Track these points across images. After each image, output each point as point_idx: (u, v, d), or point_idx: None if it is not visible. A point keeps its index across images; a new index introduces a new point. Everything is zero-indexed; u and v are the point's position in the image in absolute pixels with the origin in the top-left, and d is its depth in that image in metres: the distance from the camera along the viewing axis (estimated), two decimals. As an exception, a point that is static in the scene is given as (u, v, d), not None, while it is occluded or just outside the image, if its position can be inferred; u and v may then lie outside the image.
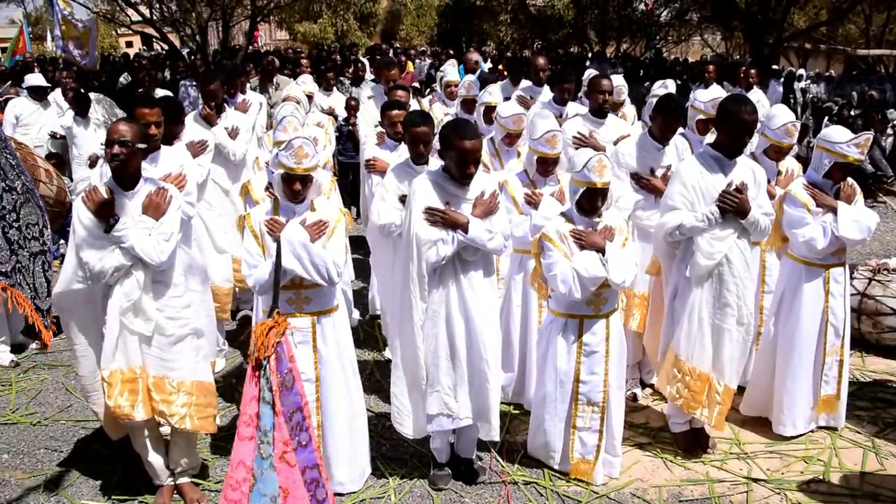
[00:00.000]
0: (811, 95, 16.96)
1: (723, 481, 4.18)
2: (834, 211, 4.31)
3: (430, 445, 4.15)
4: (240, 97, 7.23)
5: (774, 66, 17.42)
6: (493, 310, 3.90)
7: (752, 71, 9.93)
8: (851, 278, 5.89)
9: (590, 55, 21.23)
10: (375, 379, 5.31)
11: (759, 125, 4.72)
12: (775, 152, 4.83)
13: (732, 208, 3.97)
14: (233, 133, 5.83)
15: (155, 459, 3.95)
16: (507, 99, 6.20)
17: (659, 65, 16.66)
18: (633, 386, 5.06)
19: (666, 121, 4.73)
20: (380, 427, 4.64)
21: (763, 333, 4.77)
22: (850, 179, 4.45)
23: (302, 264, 3.53)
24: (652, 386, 5.07)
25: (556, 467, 4.20)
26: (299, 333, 3.73)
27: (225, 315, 5.72)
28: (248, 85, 8.22)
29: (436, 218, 3.64)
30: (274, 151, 3.99)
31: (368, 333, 6.11)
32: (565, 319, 3.97)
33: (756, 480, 4.18)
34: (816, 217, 4.34)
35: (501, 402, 4.62)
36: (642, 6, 22.58)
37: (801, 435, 4.62)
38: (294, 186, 3.60)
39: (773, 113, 4.84)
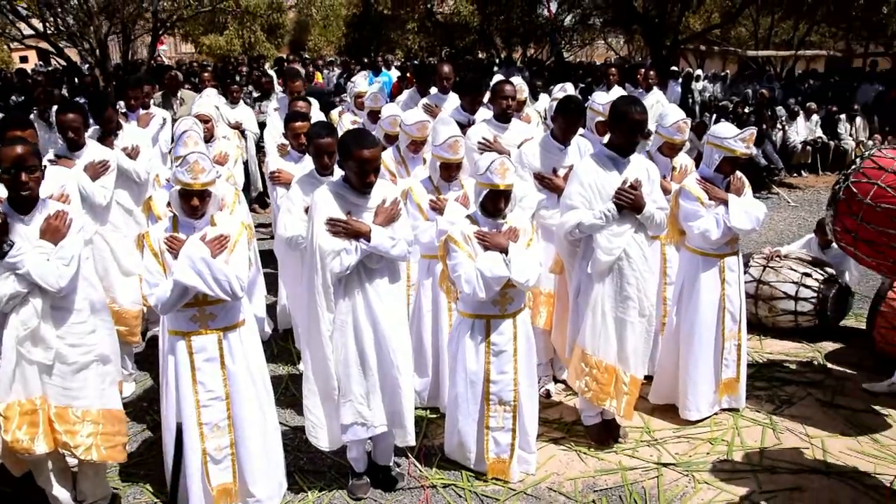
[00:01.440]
0: (708, 94, 17.67)
1: (635, 468, 4.32)
2: (725, 203, 4.53)
3: (347, 455, 4.14)
4: (141, 111, 7.06)
5: (674, 68, 18.06)
6: (401, 316, 3.92)
7: (651, 73, 10.29)
8: (748, 266, 6.20)
9: (497, 61, 21.54)
10: (291, 392, 5.26)
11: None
12: (669, 149, 5.05)
13: (628, 205, 4.12)
14: (133, 153, 5.65)
15: (61, 493, 3.80)
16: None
17: (563, 68, 17.03)
18: (546, 383, 5.17)
19: (566, 122, 4.85)
20: (296, 441, 4.60)
21: (666, 323, 4.95)
22: (738, 173, 4.69)
23: (203, 280, 3.48)
24: (564, 381, 5.20)
25: (473, 468, 4.26)
26: (205, 351, 3.67)
27: (134, 339, 5.56)
28: (150, 100, 8.03)
29: (338, 228, 3.64)
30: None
31: (282, 347, 6.05)
32: (472, 320, 4.03)
33: (665, 465, 4.34)
34: (709, 210, 4.55)
35: (417, 407, 4.66)
36: (545, 12, 23.03)
37: (706, 418, 4.82)
38: (192, 202, 3.54)
39: (666, 112, 5.05)
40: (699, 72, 19.65)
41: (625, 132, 4.12)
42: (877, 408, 5.03)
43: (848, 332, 6.29)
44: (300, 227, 4.16)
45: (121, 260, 5.38)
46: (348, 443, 4.01)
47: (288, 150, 5.52)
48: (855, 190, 4.24)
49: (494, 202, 3.88)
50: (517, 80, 6.40)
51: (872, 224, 4.16)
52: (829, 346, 6.05)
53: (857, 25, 18.98)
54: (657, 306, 4.57)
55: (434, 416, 4.87)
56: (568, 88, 6.58)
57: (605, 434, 4.57)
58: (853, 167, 4.36)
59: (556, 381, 5.25)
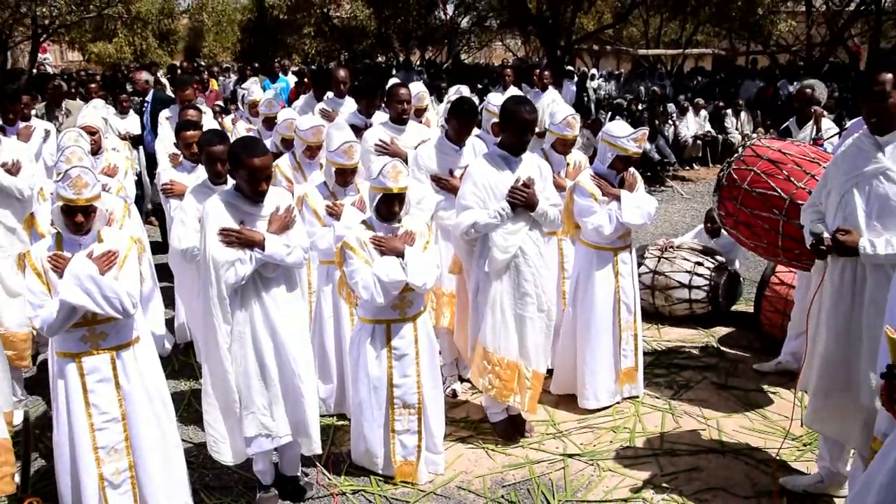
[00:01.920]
0: (603, 93, 18.19)
1: (541, 461, 4.40)
2: (618, 199, 4.67)
3: (253, 468, 4.05)
4: (21, 124, 6.73)
5: (570, 68, 18.51)
6: (300, 324, 3.87)
7: (546, 73, 10.53)
8: (644, 258, 6.41)
9: (395, 64, 21.56)
10: (194, 408, 5.11)
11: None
12: (562, 145, 5.19)
13: (521, 203, 4.19)
14: (13, 168, 5.37)
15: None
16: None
17: (461, 70, 17.19)
18: (451, 383, 5.21)
19: (460, 123, 4.90)
20: (201, 457, 4.47)
21: (564, 316, 5.07)
22: (631, 169, 4.84)
23: (92, 299, 3.34)
24: (470, 380, 5.24)
25: (381, 472, 4.24)
26: (97, 372, 3.53)
27: (24, 363, 5.29)
28: (32, 112, 7.65)
29: (231, 238, 3.57)
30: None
31: (184, 362, 5.88)
32: (373, 325, 4.02)
33: (571, 456, 4.44)
34: (603, 205, 4.68)
35: (323, 415, 4.62)
36: (442, 15, 23.20)
37: (608, 407, 4.96)
38: (76, 218, 3.39)
39: (555, 110, 5.18)
40: (594, 71, 20.22)
41: (515, 132, 4.19)
42: (765, 387, 5.29)
43: (739, 316, 6.59)
44: (194, 239, 4.06)
45: (5, 280, 5.11)
46: (253, 455, 3.92)
47: (180, 160, 5.38)
48: (735, 176, 4.51)
49: (389, 206, 3.88)
50: (418, 88, 6.44)
51: (749, 208, 4.44)
52: (722, 330, 6.33)
53: (736, 26, 19.91)
54: (556, 300, 4.67)
55: (341, 422, 4.83)
56: (463, 90, 6.65)
57: (512, 429, 4.64)
58: (735, 155, 4.63)
59: (461, 380, 5.29)
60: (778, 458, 4.28)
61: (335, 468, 4.37)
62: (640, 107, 14.61)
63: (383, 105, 6.60)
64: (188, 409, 5.09)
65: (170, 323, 6.33)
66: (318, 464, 4.36)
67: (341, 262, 3.92)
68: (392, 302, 3.91)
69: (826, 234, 3.54)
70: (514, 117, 4.15)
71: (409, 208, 4.03)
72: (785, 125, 6.19)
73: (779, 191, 4.42)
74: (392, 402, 4.09)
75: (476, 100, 8.58)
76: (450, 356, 5.18)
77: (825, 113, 5.86)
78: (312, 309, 4.87)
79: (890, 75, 3.35)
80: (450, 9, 24.11)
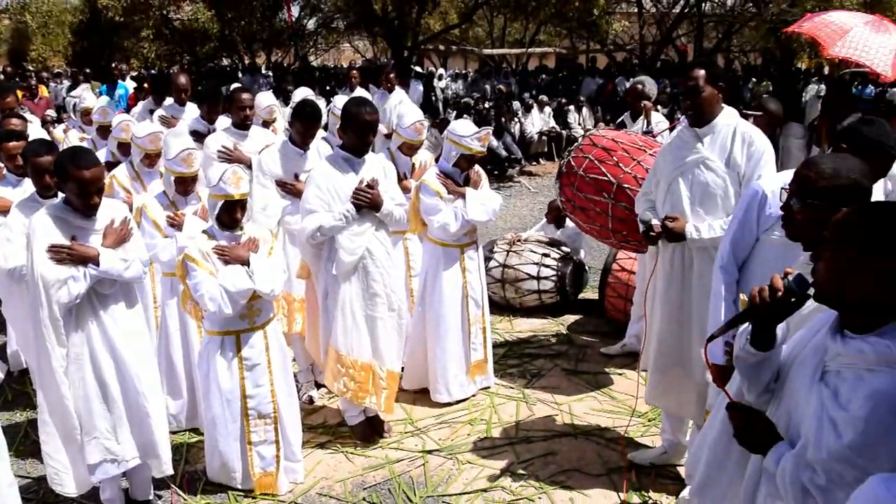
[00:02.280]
0: (451, 92, 18.51)
1: (401, 460, 4.43)
2: (463, 197, 4.77)
3: (101, 497, 3.84)
4: None
5: (417, 68, 18.71)
6: (142, 340, 3.71)
7: (392, 74, 10.58)
8: (493, 252, 6.58)
9: (240, 67, 21.02)
10: (32, 440, 4.78)
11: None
12: (408, 148, 5.26)
13: (366, 204, 4.20)
14: None
15: None
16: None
17: (308, 72, 16.99)
18: (308, 389, 5.15)
19: (303, 126, 4.83)
20: (42, 492, 4.18)
21: (414, 313, 5.13)
22: (476, 167, 4.96)
23: None
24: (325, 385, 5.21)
25: (240, 487, 4.14)
26: None
27: None
28: None
29: (62, 255, 3.37)
30: None
31: (18, 391, 5.47)
32: (221, 337, 3.90)
33: (430, 452, 4.49)
34: (448, 203, 4.77)
35: (175, 431, 4.47)
36: (286, 16, 22.80)
37: (464, 400, 5.06)
38: None
39: (402, 112, 5.24)
40: (441, 71, 20.53)
41: (356, 133, 4.19)
42: (613, 369, 5.57)
43: (586, 303, 6.88)
44: (22, 258, 3.80)
45: None
46: (100, 483, 3.72)
47: (3, 173, 5.02)
48: (573, 164, 4.76)
49: (230, 213, 3.78)
50: (268, 100, 6.38)
51: (584, 193, 4.69)
52: (571, 318, 6.60)
53: (575, 26, 20.80)
54: (406, 299, 4.72)
55: (194, 438, 4.67)
56: (307, 93, 6.59)
57: (370, 431, 4.64)
58: (576, 144, 4.88)
59: (318, 385, 5.24)
60: (626, 435, 4.52)
61: (190, 487, 4.21)
62: (486, 105, 14.99)
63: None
64: (25, 442, 4.75)
65: (1, 350, 5.90)
66: (171, 485, 4.18)
67: (184, 276, 3.78)
68: (240, 311, 3.82)
69: (655, 221, 3.77)
70: (355, 119, 4.15)
71: (251, 214, 3.95)
72: (620, 119, 6.54)
73: (608, 175, 4.66)
74: (246, 413, 3.98)
75: (323, 103, 8.53)
76: (304, 362, 5.13)
77: (655, 107, 6.23)
78: (158, 323, 4.67)
79: (703, 71, 3.61)
80: (295, 10, 23.76)
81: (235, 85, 7.31)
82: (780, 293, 1.93)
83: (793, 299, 1.94)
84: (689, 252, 3.73)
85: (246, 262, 3.76)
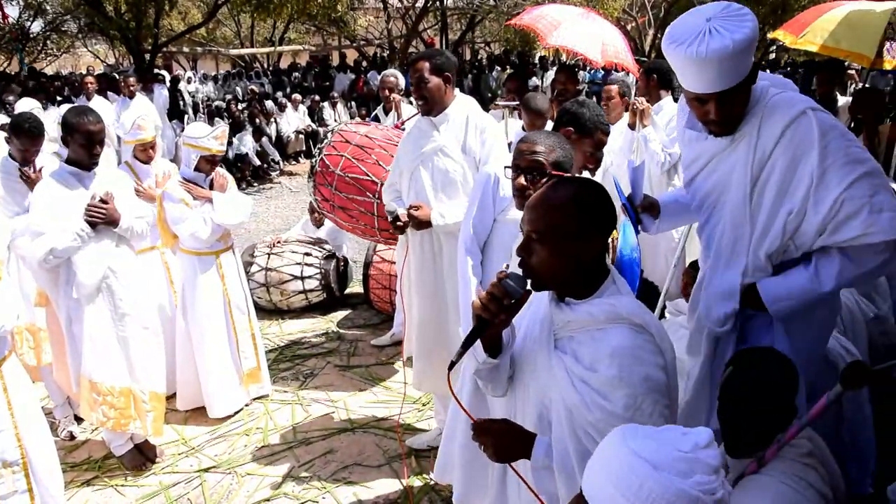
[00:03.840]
0: (202, 95, 17.80)
1: (177, 483, 4.21)
2: (210, 201, 4.60)
3: None
4: None
5: (164, 72, 17.77)
6: None
7: (131, 80, 10.02)
8: (254, 256, 6.44)
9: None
10: None
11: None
12: (141, 152, 5.09)
13: (101, 220, 3.93)
14: None
15: None
16: None
17: (36, 81, 15.52)
18: (67, 424, 4.75)
19: (23, 143, 4.40)
20: None
21: (177, 329, 4.89)
22: (220, 169, 4.79)
23: None
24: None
25: (-10, 549, 3.72)
26: None
27: None
28: None
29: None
30: None
31: None
32: (-56, 383, 3.47)
33: (206, 470, 4.32)
34: (196, 209, 4.58)
35: None
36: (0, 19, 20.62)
37: (238, 412, 4.92)
38: None
39: (124, 120, 4.98)
40: (190, 73, 19.67)
41: (81, 144, 3.88)
42: (384, 359, 5.67)
43: (353, 298, 6.95)
44: None
45: None
46: None
47: None
48: (328, 162, 4.69)
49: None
50: (30, 103, 5.76)
51: (344, 193, 4.67)
52: (340, 314, 6.63)
53: (323, 23, 20.80)
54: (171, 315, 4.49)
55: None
56: (32, 105, 6.04)
57: (140, 458, 4.37)
58: (326, 141, 4.80)
59: (78, 419, 4.84)
60: (401, 422, 4.63)
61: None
62: (240, 107, 14.59)
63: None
64: None
65: None
66: None
67: None
68: (-37, 352, 3.40)
69: (401, 211, 3.87)
70: (77, 129, 3.83)
71: None
72: (374, 113, 6.63)
73: (370, 175, 4.67)
74: (-13, 464, 3.57)
75: (53, 113, 7.87)
76: (59, 397, 4.71)
77: (403, 99, 6.38)
78: None
79: (427, 63, 3.74)
80: (13, 11, 21.56)
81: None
82: (505, 299, 1.92)
83: (514, 300, 1.94)
84: (438, 238, 3.88)
85: (-34, 297, 3.35)
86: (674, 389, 1.94)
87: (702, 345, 2.85)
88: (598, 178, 3.66)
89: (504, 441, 2.03)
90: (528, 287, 1.94)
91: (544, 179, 2.61)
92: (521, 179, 2.71)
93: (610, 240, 2.62)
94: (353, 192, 4.67)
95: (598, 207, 1.90)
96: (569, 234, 1.87)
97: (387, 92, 6.28)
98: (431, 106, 3.77)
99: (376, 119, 6.48)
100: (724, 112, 2.49)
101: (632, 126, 5.16)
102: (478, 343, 2.01)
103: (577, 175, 2.70)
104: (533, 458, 1.99)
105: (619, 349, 1.86)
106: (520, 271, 1.94)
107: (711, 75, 2.37)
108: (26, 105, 6.17)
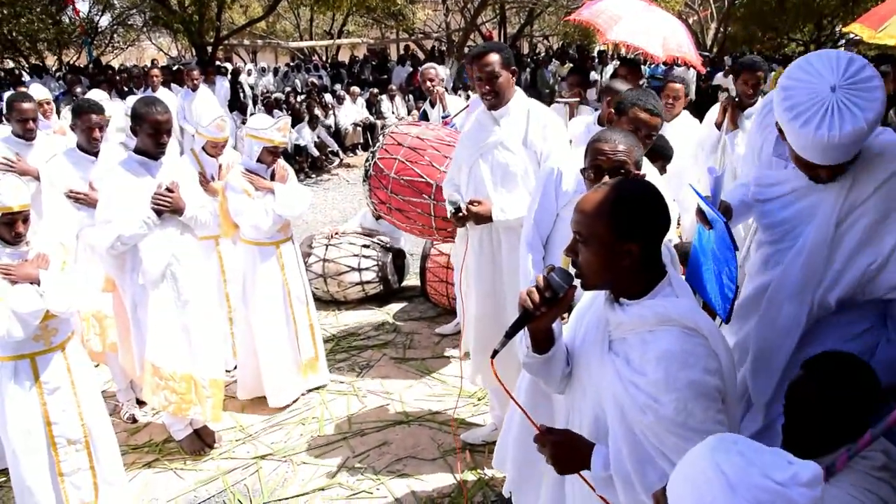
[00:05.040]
0: (261, 88, 18.05)
1: (234, 469, 4.28)
2: (272, 192, 4.65)
3: None
4: None
5: (226, 64, 18.08)
6: None
7: (195, 72, 10.18)
8: (312, 247, 6.49)
9: (27, 69, 19.38)
10: None
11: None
12: (212, 147, 5.07)
13: (167, 208, 4.00)
14: None
15: None
16: None
17: (103, 73, 15.95)
18: (129, 408, 4.87)
19: (85, 131, 4.54)
20: None
21: (236, 319, 4.96)
22: (281, 161, 4.84)
23: None
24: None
25: (55, 524, 3.82)
26: None
27: None
28: None
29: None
30: None
31: None
32: (14, 363, 3.54)
33: (263, 457, 4.37)
34: (257, 200, 4.63)
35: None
36: (72, 13, 21.22)
37: (295, 401, 4.97)
38: None
39: (200, 112, 5.02)
40: (250, 66, 19.96)
41: (149, 134, 3.96)
42: (440, 352, 5.67)
43: (409, 290, 6.96)
44: None
45: None
46: None
47: None
48: (382, 165, 4.67)
49: (10, 227, 3.42)
50: (41, 91, 5.89)
51: (399, 195, 4.64)
52: (396, 306, 6.64)
53: (381, 16, 20.89)
54: (223, 303, 4.55)
55: (3, 479, 4.27)
56: (100, 96, 6.19)
57: (199, 443, 4.45)
58: (377, 144, 4.80)
59: (140, 403, 4.96)
60: (456, 417, 4.61)
61: (-1, 535, 3.86)
62: (298, 99, 14.75)
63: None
64: None
65: None
66: (-26, 534, 3.81)
67: (-39, 299, 3.41)
68: (33, 333, 3.49)
69: (463, 204, 3.84)
70: (146, 119, 3.91)
71: (35, 227, 3.62)
72: (423, 108, 6.62)
73: (424, 177, 4.62)
74: (53, 442, 3.66)
75: (120, 105, 8.06)
76: (122, 381, 4.83)
77: (445, 91, 6.35)
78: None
79: (496, 56, 3.70)
80: (84, 7, 22.20)
81: (9, 94, 6.71)
82: (547, 292, 1.94)
83: (560, 294, 1.94)
84: (497, 232, 3.83)
85: (36, 281, 3.45)
86: (729, 393, 1.90)
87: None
88: (665, 180, 3.59)
89: (564, 453, 2.04)
90: (574, 284, 1.94)
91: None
92: (590, 175, 2.63)
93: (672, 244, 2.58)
94: (408, 195, 4.65)
95: (642, 211, 1.87)
96: (609, 238, 1.86)
97: (428, 84, 6.27)
98: (500, 100, 3.73)
99: (425, 114, 6.48)
100: (835, 172, 2.38)
101: (718, 125, 5.05)
102: (526, 336, 2.03)
103: (630, 176, 2.62)
104: (592, 470, 1.99)
105: (666, 352, 1.83)
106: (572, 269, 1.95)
107: (837, 153, 2.23)
108: (95, 97, 6.30)
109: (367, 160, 4.75)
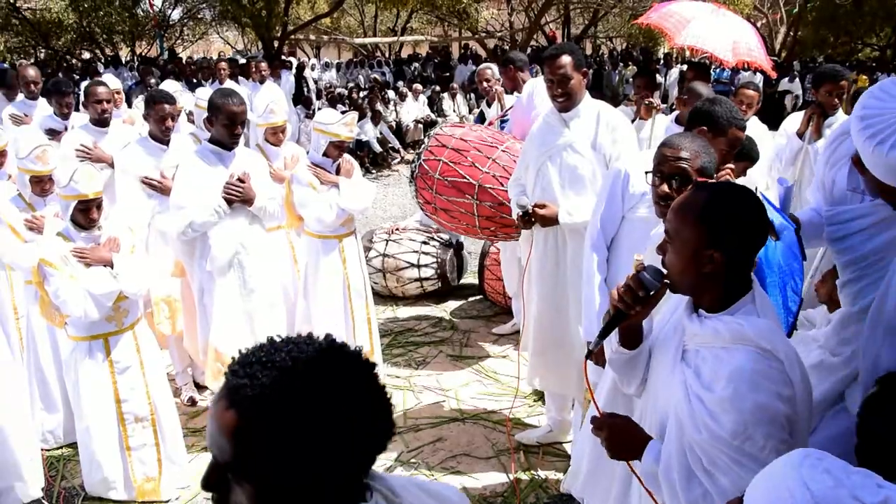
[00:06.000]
0: (325, 82, 18.27)
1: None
2: (337, 186, 4.71)
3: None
4: None
5: (290, 59, 18.34)
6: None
7: (262, 65, 10.37)
8: (372, 242, 6.56)
9: (103, 60, 19.98)
10: None
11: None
12: (272, 135, 5.29)
13: (238, 198, 4.09)
14: None
15: None
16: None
17: (174, 64, 16.35)
18: (188, 390, 4.98)
19: (158, 120, 4.67)
20: None
21: (298, 309, 5.02)
22: (347, 155, 4.89)
23: None
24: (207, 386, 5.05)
25: (122, 497, 3.93)
26: None
27: None
28: None
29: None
30: None
31: None
32: (88, 342, 3.69)
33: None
34: (322, 194, 4.69)
35: (53, 448, 4.30)
36: (147, 7, 21.82)
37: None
38: None
39: (256, 104, 5.13)
40: (314, 61, 20.24)
41: (224, 125, 4.05)
42: (497, 352, 5.67)
43: (467, 288, 6.97)
44: None
45: None
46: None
47: None
48: (427, 167, 4.74)
49: (86, 214, 3.57)
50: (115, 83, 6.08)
51: (444, 196, 4.70)
52: (454, 304, 6.66)
53: (445, 14, 20.93)
54: (293, 293, 4.62)
55: (72, 451, 4.41)
56: (174, 87, 6.36)
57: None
58: (423, 146, 4.86)
59: (199, 387, 5.07)
60: (511, 416, 4.61)
61: (68, 504, 3.98)
62: (361, 95, 14.89)
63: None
64: None
65: None
66: (45, 504, 3.94)
67: (41, 282, 3.54)
68: (106, 314, 3.62)
69: (530, 206, 3.83)
70: (222, 110, 4.00)
71: (107, 212, 3.75)
72: (479, 109, 6.62)
73: (468, 177, 4.66)
74: (122, 418, 3.79)
75: (190, 96, 8.25)
76: (180, 364, 4.95)
77: (502, 90, 6.33)
78: (23, 335, 4.39)
79: (569, 58, 3.67)
80: (157, 0, 22.77)
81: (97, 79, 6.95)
82: (640, 291, 1.93)
83: (651, 293, 1.94)
84: (562, 235, 3.81)
85: (109, 263, 3.57)
86: (800, 422, 1.81)
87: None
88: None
89: (620, 437, 2.03)
90: (666, 281, 1.92)
91: (689, 186, 2.51)
92: (665, 187, 2.57)
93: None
94: (452, 195, 4.70)
95: (733, 220, 1.81)
96: (693, 241, 1.83)
97: (484, 84, 6.27)
98: (571, 102, 3.71)
99: (482, 115, 6.48)
100: None
101: (800, 135, 4.95)
102: (615, 332, 2.03)
103: (723, 181, 2.57)
104: (643, 462, 1.97)
105: (737, 371, 1.78)
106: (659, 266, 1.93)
107: None
108: (169, 87, 6.48)
109: (412, 161, 4.81)
